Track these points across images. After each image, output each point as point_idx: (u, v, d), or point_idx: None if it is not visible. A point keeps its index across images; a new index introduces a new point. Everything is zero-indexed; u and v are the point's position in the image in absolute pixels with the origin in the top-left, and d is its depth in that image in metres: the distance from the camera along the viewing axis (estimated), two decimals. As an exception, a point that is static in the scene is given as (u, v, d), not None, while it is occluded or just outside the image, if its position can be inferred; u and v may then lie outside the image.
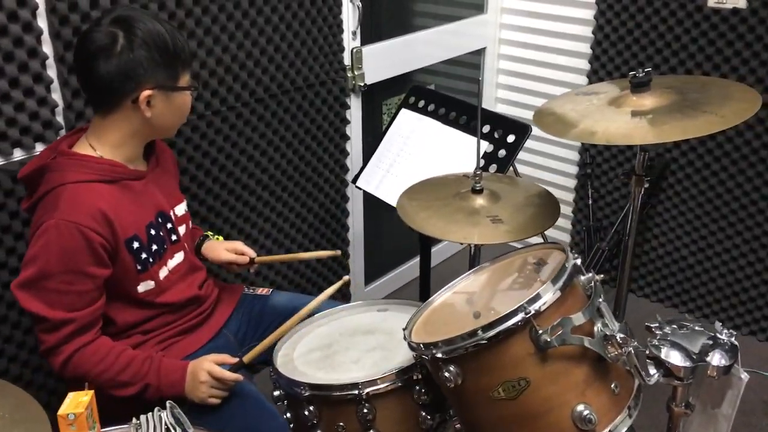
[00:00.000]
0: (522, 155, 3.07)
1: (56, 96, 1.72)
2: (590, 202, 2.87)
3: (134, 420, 1.23)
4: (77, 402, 1.19)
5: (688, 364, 1.24)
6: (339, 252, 1.92)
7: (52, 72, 1.70)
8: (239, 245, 1.84)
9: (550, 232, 3.09)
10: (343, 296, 2.77)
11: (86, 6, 1.69)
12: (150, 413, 1.23)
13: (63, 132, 1.74)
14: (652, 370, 1.27)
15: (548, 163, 3.06)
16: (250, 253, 1.83)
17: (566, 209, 3.05)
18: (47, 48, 1.67)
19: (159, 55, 1.45)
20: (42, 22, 1.65)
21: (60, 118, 1.74)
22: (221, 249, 1.83)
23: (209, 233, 1.88)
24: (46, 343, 1.45)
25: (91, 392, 1.21)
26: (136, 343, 1.59)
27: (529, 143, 3.01)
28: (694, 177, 2.61)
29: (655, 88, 1.53)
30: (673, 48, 2.51)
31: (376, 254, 2.91)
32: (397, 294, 2.97)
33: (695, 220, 2.67)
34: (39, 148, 1.71)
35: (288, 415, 1.53)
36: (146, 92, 1.45)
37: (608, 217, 2.90)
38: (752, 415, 2.32)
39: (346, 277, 1.70)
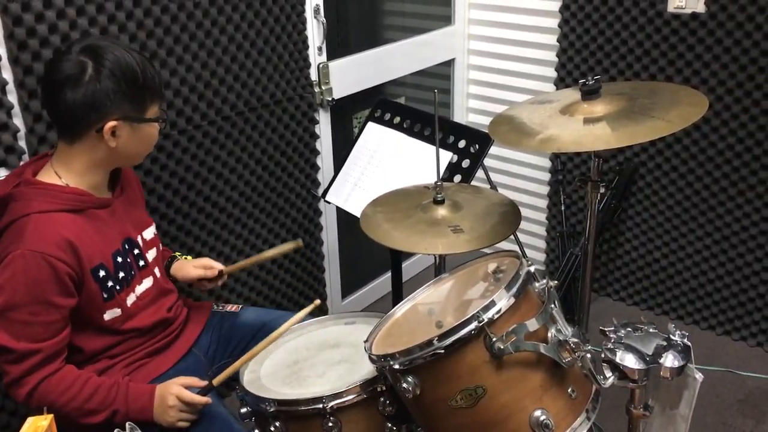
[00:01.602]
0: (494, 163, 3.10)
1: (18, 121, 1.73)
2: (563, 208, 2.89)
3: (94, 443, 1.23)
4: (36, 426, 1.18)
5: (641, 366, 1.25)
6: (300, 242, 1.92)
7: (12, 97, 1.70)
8: (206, 260, 1.85)
9: (525, 239, 3.12)
10: (320, 310, 2.77)
11: (45, 31, 1.70)
12: (110, 435, 1.23)
13: (26, 157, 1.75)
14: (608, 373, 1.28)
15: (521, 171, 3.08)
16: (218, 265, 1.84)
17: (540, 216, 3.07)
18: (7, 74, 1.68)
19: (127, 87, 1.45)
20: (0, 48, 1.66)
21: (22, 143, 1.75)
22: (189, 266, 1.84)
23: (177, 254, 1.89)
24: (11, 375, 1.44)
25: (50, 416, 1.20)
26: (103, 367, 1.59)
27: (501, 151, 3.07)
28: (663, 180, 2.64)
29: (605, 94, 1.56)
30: (636, 53, 2.54)
31: (352, 268, 2.92)
32: (374, 307, 2.98)
33: (666, 223, 2.69)
34: (2, 173, 1.71)
35: (256, 431, 1.54)
36: (111, 123, 1.45)
37: (581, 223, 2.92)
38: (727, 415, 2.34)
39: (317, 301, 1.67)
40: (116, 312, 1.56)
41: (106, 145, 1.48)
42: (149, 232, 1.72)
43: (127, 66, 1.45)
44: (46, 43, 1.71)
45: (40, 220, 1.43)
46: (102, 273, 1.51)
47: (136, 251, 1.64)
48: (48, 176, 1.51)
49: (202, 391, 1.55)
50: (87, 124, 1.45)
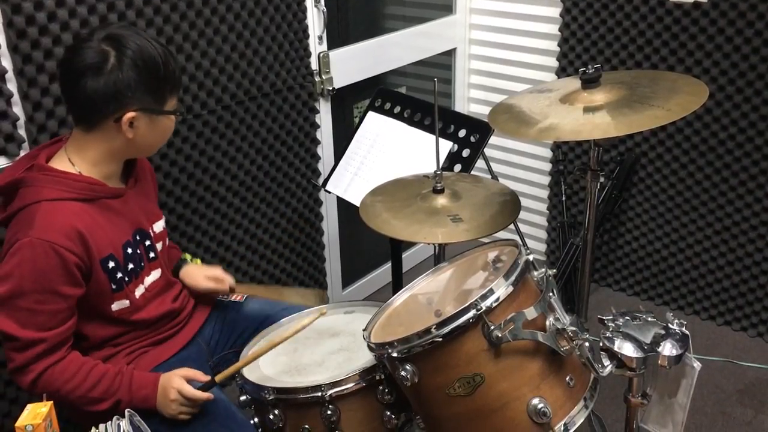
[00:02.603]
0: (495, 153, 3.10)
1: (17, 109, 1.73)
2: (563, 198, 2.89)
3: (93, 429, 1.23)
4: (36, 413, 1.19)
5: (639, 354, 1.26)
6: (325, 311, 1.66)
7: (12, 86, 1.70)
8: (218, 272, 1.82)
9: (526, 229, 3.12)
10: (321, 300, 2.78)
11: (44, 20, 1.69)
12: (109, 422, 1.24)
13: (25, 145, 1.75)
14: (606, 362, 1.29)
15: (522, 161, 3.07)
16: (229, 280, 1.81)
17: (541, 206, 3.07)
18: (6, 62, 1.68)
19: (148, 78, 1.44)
20: (-1, 37, 1.66)
21: (22, 132, 1.75)
22: (200, 277, 1.80)
23: (187, 256, 1.87)
24: (15, 362, 1.44)
25: (50, 403, 1.21)
26: (107, 354, 1.59)
27: (501, 141, 3.07)
28: (664, 170, 2.63)
29: (605, 83, 1.55)
30: (638, 43, 2.53)
31: (352, 258, 2.92)
32: (375, 297, 2.98)
33: (667, 213, 2.69)
34: (1, 162, 1.71)
35: (255, 420, 1.54)
36: (130, 114, 1.44)
37: (582, 213, 2.92)
38: (727, 405, 2.34)
39: (323, 309, 1.62)
40: (124, 303, 1.56)
41: (123, 136, 1.47)
42: (159, 225, 1.70)
43: (150, 57, 1.44)
44: (45, 31, 1.70)
45: (51, 207, 1.42)
46: (111, 264, 1.50)
47: (147, 242, 1.63)
48: (61, 163, 1.49)
49: (204, 387, 1.54)
50: (106, 113, 1.44)
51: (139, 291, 1.59)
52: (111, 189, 1.54)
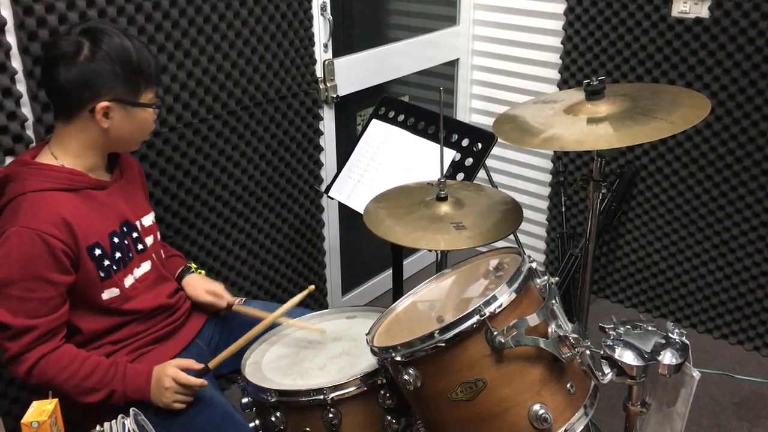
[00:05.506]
0: (496, 164, 3.12)
1: (26, 110, 1.74)
2: (563, 209, 2.91)
3: (98, 427, 1.24)
4: (41, 410, 1.20)
5: (639, 363, 1.27)
6: (312, 287, 1.77)
7: (21, 87, 1.72)
8: (219, 289, 1.83)
9: (525, 239, 3.14)
10: (320, 306, 2.79)
11: (55, 22, 1.71)
12: (113, 420, 1.25)
13: (33, 146, 1.76)
14: (606, 370, 1.30)
15: (522, 172, 3.10)
16: (228, 297, 1.82)
17: (540, 216, 3.09)
18: (16, 63, 1.70)
19: (121, 69, 1.48)
20: (11, 38, 1.67)
21: (30, 132, 1.77)
22: (201, 290, 1.81)
23: (192, 265, 1.88)
24: (10, 351, 1.46)
25: (55, 401, 1.22)
26: (106, 353, 1.60)
27: (502, 152, 3.09)
28: (663, 183, 2.65)
29: (609, 95, 1.57)
30: (639, 57, 2.56)
31: (353, 264, 2.94)
32: (375, 304, 2.98)
33: (665, 226, 2.71)
34: (9, 162, 1.73)
35: (256, 422, 1.55)
36: (103, 103, 1.48)
37: (581, 224, 2.94)
38: (723, 417, 2.35)
39: (311, 287, 1.70)
40: (114, 292, 1.58)
41: (98, 126, 1.50)
42: (148, 219, 1.73)
43: (124, 49, 1.48)
44: (56, 33, 1.72)
45: (36, 198, 1.46)
46: (98, 252, 1.53)
47: (134, 234, 1.65)
48: (45, 158, 1.53)
49: (198, 374, 1.57)
50: (80, 102, 1.48)
51: (128, 281, 1.61)
52: (94, 180, 1.57)
